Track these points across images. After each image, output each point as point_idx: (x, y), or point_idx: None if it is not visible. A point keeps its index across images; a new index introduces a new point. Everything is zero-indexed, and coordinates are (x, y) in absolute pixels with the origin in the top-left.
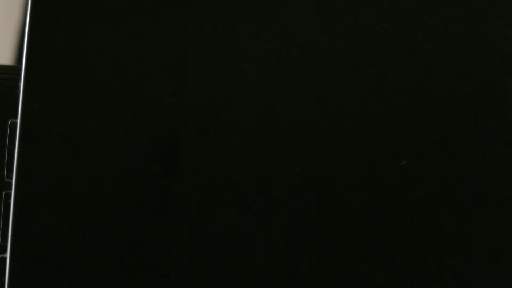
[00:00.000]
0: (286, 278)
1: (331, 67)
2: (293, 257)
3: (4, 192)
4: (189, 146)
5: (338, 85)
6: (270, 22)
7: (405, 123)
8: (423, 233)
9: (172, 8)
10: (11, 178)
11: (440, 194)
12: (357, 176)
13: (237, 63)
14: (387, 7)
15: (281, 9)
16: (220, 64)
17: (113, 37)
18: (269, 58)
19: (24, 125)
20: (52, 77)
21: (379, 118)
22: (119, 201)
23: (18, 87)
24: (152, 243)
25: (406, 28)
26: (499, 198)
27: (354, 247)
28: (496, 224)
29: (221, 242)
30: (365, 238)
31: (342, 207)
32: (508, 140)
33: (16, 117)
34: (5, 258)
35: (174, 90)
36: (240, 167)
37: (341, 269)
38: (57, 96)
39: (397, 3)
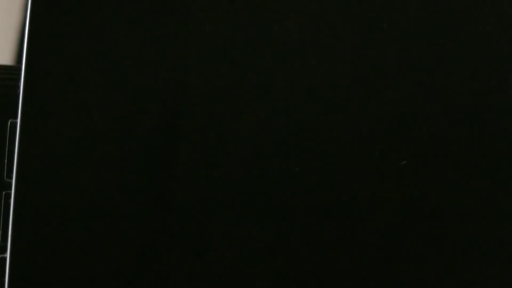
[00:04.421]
0: (286, 278)
1: (331, 66)
2: (293, 257)
3: (4, 192)
4: (188, 146)
5: (338, 85)
6: (270, 21)
7: (405, 123)
8: (424, 233)
9: (172, 8)
10: (11, 178)
11: (440, 194)
12: (357, 176)
13: (237, 63)
14: (387, 7)
15: (281, 9)
16: (220, 64)
17: (113, 37)
18: (269, 58)
19: (24, 125)
20: (52, 77)
21: (379, 118)
22: (119, 202)
23: (18, 87)
24: (152, 243)
25: (406, 28)
26: (499, 198)
27: (355, 246)
28: (496, 224)
29: (220, 242)
30: (365, 238)
31: (342, 207)
32: (508, 140)
33: (16, 117)
34: (5, 258)
35: (174, 90)
36: (239, 167)
37: (341, 269)
38: (57, 96)
39: (397, 3)
